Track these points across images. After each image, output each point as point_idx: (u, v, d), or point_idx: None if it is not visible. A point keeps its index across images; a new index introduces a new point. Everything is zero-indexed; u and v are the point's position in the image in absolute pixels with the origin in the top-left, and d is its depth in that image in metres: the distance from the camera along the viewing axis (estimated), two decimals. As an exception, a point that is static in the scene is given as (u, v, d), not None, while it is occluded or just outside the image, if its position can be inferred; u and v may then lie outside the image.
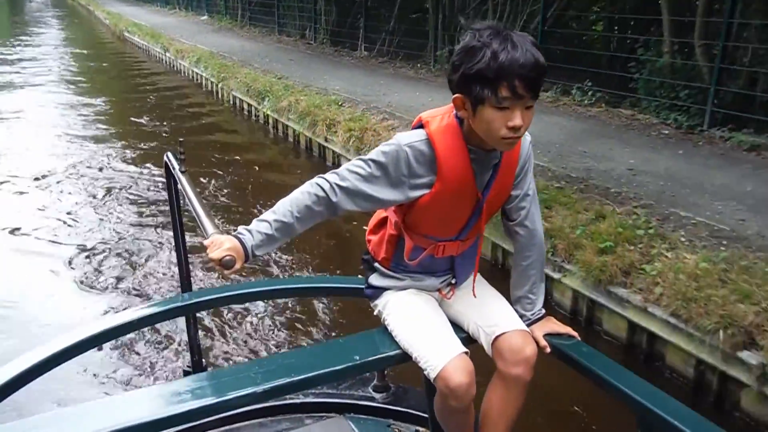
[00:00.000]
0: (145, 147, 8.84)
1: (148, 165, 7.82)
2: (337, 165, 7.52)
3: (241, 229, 1.43)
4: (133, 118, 10.71)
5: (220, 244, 1.39)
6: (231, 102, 11.57)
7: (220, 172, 7.66)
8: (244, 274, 4.90)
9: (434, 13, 11.49)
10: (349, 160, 6.23)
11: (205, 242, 1.44)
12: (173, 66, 15.89)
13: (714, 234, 4.28)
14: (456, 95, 1.42)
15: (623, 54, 8.55)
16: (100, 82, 14.73)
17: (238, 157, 8.50)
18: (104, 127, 10.29)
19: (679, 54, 7.52)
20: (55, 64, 16.90)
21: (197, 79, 13.83)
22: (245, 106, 10.88)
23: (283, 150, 9.08)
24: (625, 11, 9.37)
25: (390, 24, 13.23)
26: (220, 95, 12.20)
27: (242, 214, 6.35)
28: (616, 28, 9.87)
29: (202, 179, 7.26)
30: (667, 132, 6.96)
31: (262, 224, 1.44)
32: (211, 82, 12.63)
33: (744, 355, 3.34)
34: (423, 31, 12.10)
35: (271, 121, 9.74)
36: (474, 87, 1.36)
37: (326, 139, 7.92)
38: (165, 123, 10.40)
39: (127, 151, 8.64)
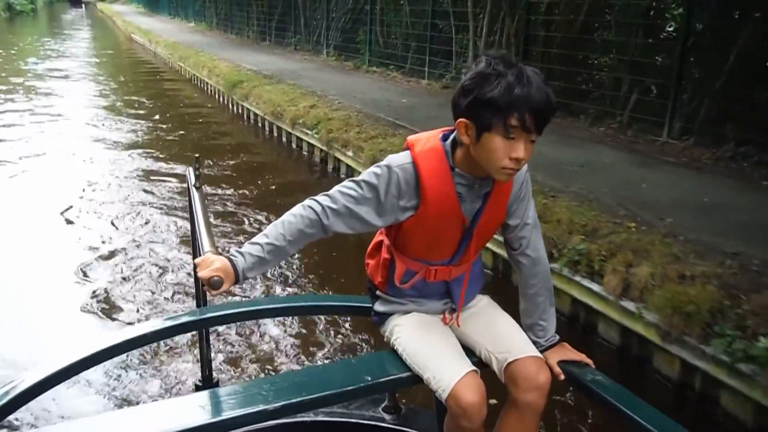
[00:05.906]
0: (126, 97, 16.81)
1: (126, 108, 15.65)
2: (204, 88, 15.46)
3: (233, 251, 1.46)
4: (122, 77, 18.80)
5: (210, 263, 1.41)
6: (176, 68, 19.61)
7: (157, 93, 15.80)
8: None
9: (304, 18, 19.28)
10: (209, 84, 14.23)
11: (197, 260, 1.46)
12: (154, 52, 24.12)
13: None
14: (460, 120, 1.43)
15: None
16: (106, 61, 23.12)
17: (169, 92, 16.54)
18: (102, 86, 18.36)
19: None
20: (80, 50, 25.54)
21: (162, 58, 21.98)
22: (179, 68, 18.99)
23: (191, 87, 17.09)
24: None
25: (293, 26, 21.05)
26: (171, 65, 20.27)
27: (159, 97, 14.17)
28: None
29: (145, 100, 15.15)
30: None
31: (254, 247, 1.46)
32: (167, 58, 20.73)
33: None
34: (302, 30, 19.91)
35: (188, 73, 17.66)
36: (484, 113, 1.38)
37: (202, 76, 15.82)
38: (140, 83, 18.44)
39: (121, 102, 16.61)
